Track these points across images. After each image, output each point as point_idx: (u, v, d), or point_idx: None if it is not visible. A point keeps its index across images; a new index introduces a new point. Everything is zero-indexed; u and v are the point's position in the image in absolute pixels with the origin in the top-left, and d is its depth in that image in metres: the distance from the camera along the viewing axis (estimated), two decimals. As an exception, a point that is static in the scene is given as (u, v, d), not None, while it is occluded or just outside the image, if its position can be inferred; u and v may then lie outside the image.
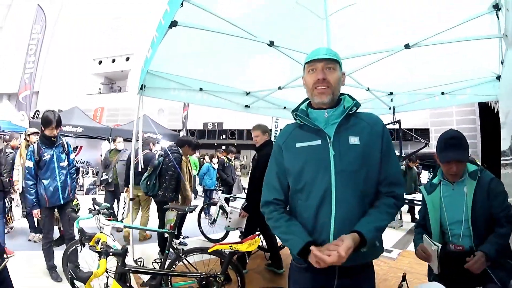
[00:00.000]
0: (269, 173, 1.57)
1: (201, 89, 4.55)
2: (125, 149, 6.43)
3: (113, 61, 28.09)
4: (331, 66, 1.43)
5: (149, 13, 21.59)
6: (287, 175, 1.49)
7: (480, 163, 13.14)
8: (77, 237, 2.95)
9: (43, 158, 3.53)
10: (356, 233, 1.27)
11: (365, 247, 1.28)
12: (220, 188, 6.90)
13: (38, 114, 19.26)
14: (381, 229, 1.35)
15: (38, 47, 13.20)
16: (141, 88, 3.90)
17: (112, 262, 2.58)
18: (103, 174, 6.28)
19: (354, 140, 1.39)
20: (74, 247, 3.32)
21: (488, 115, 10.20)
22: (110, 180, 6.13)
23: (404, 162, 8.24)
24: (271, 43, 3.18)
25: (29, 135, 5.21)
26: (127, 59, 27.23)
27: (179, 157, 4.38)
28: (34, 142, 4.92)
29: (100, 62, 28.62)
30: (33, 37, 13.17)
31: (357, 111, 1.49)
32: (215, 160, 8.37)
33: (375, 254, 1.44)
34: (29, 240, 5.06)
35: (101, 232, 3.00)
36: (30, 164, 3.50)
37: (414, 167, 8.29)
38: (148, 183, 4.33)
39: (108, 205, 3.18)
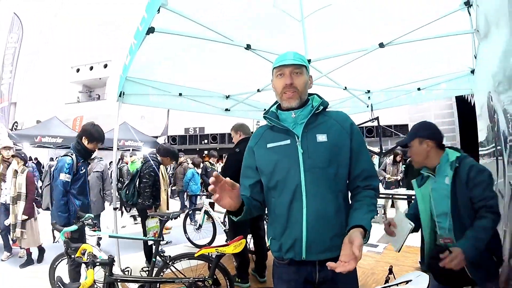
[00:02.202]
0: (242, 174, 1.63)
1: (180, 94, 4.55)
2: (99, 158, 5.56)
3: (91, 68, 27.52)
4: (298, 71, 1.49)
5: (126, 19, 21.29)
6: (260, 174, 1.54)
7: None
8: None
9: (81, 172, 3.28)
10: (360, 227, 1.31)
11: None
12: (204, 193, 6.87)
13: (16, 126, 18.71)
14: (372, 219, 1.40)
15: (15, 57, 12.77)
16: (120, 95, 3.86)
17: (99, 273, 2.55)
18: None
19: (321, 137, 1.45)
20: (60, 260, 3.20)
21: (466, 108, 10.46)
22: None
23: (391, 158, 8.34)
24: (248, 47, 3.20)
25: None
26: (105, 66, 26.74)
27: (156, 165, 4.28)
28: (9, 158, 4.77)
29: (78, 70, 28.00)
30: (9, 46, 12.75)
31: (327, 109, 1.55)
32: (201, 165, 8.32)
33: None
34: (2, 260, 4.89)
35: (86, 242, 2.96)
36: (67, 178, 3.16)
37: None
38: (127, 192, 4.26)
39: (92, 215, 3.12)
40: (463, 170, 1.89)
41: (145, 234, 4.14)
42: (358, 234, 1.26)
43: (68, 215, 3.19)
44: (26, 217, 4.49)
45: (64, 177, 3.15)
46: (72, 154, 3.27)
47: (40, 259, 4.75)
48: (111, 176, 5.31)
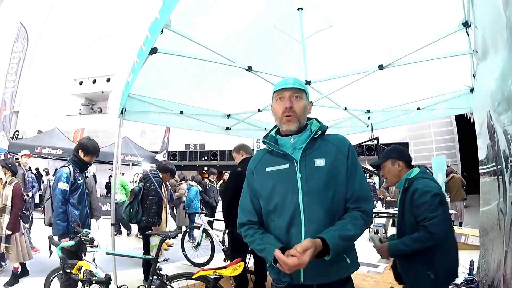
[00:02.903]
0: (243, 197, 1.63)
1: (181, 112, 4.56)
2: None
3: (94, 81, 27.84)
4: (298, 95, 1.52)
5: (130, 34, 21.65)
6: (259, 197, 1.56)
7: (460, 172, 13.31)
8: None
9: (78, 182, 3.39)
10: (319, 239, 1.31)
11: (328, 255, 1.31)
12: (203, 211, 6.82)
13: (17, 135, 18.74)
14: (345, 238, 1.36)
15: (19, 66, 12.94)
16: (121, 112, 3.89)
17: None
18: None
19: (319, 162, 1.46)
20: (56, 274, 3.16)
21: (466, 125, 10.46)
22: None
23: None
24: (249, 68, 3.24)
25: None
26: (108, 80, 27.05)
27: (159, 181, 4.28)
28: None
29: (81, 83, 28.32)
30: (14, 55, 12.93)
31: (326, 133, 1.56)
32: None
33: (348, 269, 1.48)
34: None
35: (83, 259, 2.92)
36: (66, 187, 3.25)
37: None
38: (131, 210, 4.20)
39: (90, 231, 3.09)
40: (410, 191, 2.17)
41: (147, 252, 4.11)
42: (309, 240, 1.28)
43: (67, 224, 3.22)
44: (10, 232, 4.25)
45: (62, 185, 3.24)
46: (69, 165, 3.39)
47: (20, 276, 4.42)
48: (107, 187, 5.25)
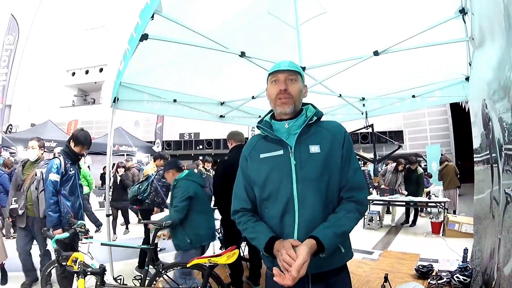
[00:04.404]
0: (237, 185, 1.62)
1: (175, 100, 4.52)
2: (47, 160, 3.76)
3: (87, 72, 27.45)
4: (293, 78, 1.48)
5: (124, 24, 21.27)
6: (253, 185, 1.54)
7: (454, 161, 13.45)
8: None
9: (70, 173, 3.38)
10: (313, 239, 1.30)
11: (323, 253, 1.30)
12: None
13: (11, 129, 18.51)
14: (340, 234, 1.35)
15: (11, 59, 12.71)
16: (114, 101, 3.83)
17: (92, 281, 2.51)
18: (13, 200, 3.76)
19: (314, 148, 1.43)
20: (52, 267, 3.18)
21: (460, 114, 10.49)
22: (20, 212, 3.67)
23: (393, 165, 8.35)
24: (242, 54, 3.20)
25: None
26: (101, 70, 26.68)
27: None
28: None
29: (73, 74, 27.91)
30: (6, 48, 12.69)
31: (321, 119, 1.54)
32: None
33: (342, 259, 1.48)
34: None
35: (78, 251, 2.91)
36: (56, 177, 3.25)
37: (419, 168, 7.99)
38: (140, 187, 4.62)
39: (84, 222, 3.08)
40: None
41: (147, 240, 4.16)
42: (305, 249, 1.24)
43: (58, 215, 3.23)
44: None
45: (53, 176, 3.25)
46: (60, 156, 3.40)
47: (3, 281, 4.05)
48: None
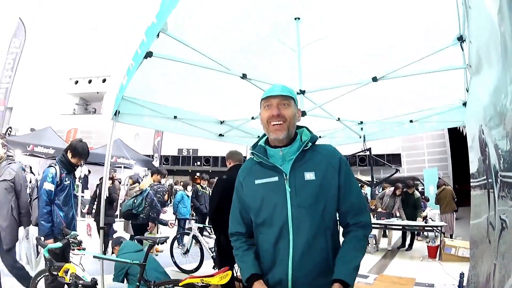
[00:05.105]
0: (233, 207, 1.63)
1: (175, 117, 4.54)
2: (10, 160, 3.43)
3: (90, 81, 27.61)
4: (285, 102, 1.48)
5: (128, 35, 21.57)
6: (248, 210, 1.55)
7: (452, 185, 13.40)
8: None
9: (65, 183, 3.34)
10: (339, 282, 1.32)
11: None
12: (193, 217, 6.77)
13: (10, 131, 18.43)
14: (358, 267, 1.39)
15: (16, 62, 12.80)
16: (115, 114, 3.86)
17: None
18: None
19: (309, 176, 1.44)
20: (42, 276, 3.11)
21: (458, 138, 10.54)
22: None
23: (391, 189, 8.36)
24: (244, 76, 3.24)
25: None
26: (104, 80, 26.85)
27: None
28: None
29: (76, 82, 28.06)
30: (12, 51, 12.80)
31: (316, 143, 1.53)
32: (189, 188, 8.30)
33: None
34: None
35: (70, 262, 2.87)
36: (51, 187, 3.19)
37: (416, 192, 8.00)
38: (135, 201, 4.60)
39: (77, 233, 3.04)
40: None
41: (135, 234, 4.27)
42: None
43: (51, 225, 3.18)
44: None
45: (47, 186, 3.20)
46: (55, 165, 3.35)
47: None
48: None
